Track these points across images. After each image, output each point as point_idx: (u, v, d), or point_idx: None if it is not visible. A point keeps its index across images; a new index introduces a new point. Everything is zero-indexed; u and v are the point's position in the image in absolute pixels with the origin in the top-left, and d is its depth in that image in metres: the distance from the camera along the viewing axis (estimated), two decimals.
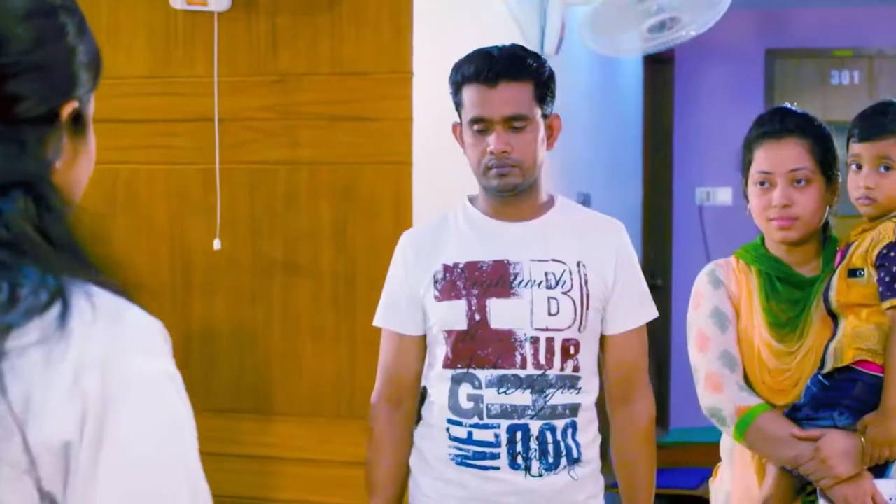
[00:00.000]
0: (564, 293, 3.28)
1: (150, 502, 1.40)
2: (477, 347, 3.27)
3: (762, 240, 3.47)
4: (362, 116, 4.30)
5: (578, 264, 3.31)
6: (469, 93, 3.27)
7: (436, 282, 3.33)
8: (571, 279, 3.29)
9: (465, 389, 3.29)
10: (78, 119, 1.57)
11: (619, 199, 7.98)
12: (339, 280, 4.35)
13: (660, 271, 9.04)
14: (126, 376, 1.41)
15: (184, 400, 1.49)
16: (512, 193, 3.30)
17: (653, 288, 3.70)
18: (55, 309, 1.40)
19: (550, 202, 3.42)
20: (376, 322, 3.47)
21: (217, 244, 4.39)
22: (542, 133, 3.29)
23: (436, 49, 4.40)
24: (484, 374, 3.26)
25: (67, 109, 1.54)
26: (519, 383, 3.25)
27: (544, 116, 3.31)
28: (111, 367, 1.40)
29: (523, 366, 3.25)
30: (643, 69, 9.01)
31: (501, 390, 3.24)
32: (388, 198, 4.28)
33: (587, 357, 3.32)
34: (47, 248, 1.45)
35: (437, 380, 3.36)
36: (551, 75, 3.33)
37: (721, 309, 3.40)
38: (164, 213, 4.56)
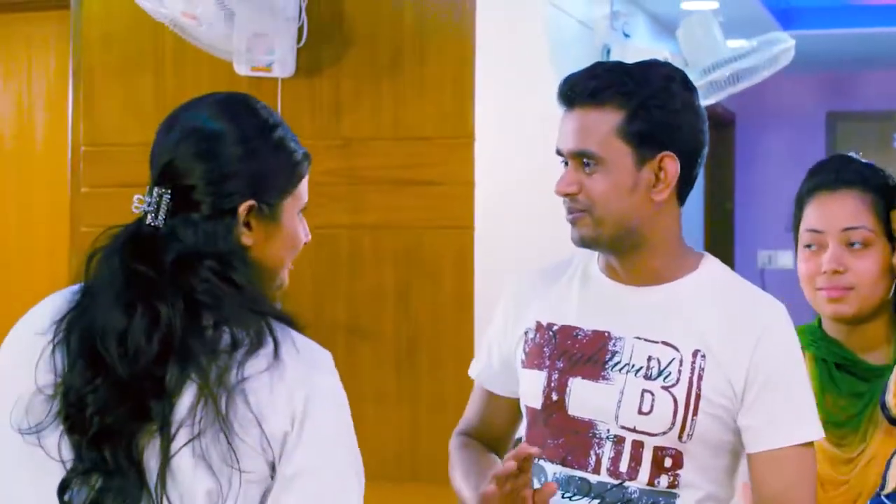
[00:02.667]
0: (665, 388, 2.45)
1: (329, 458, 2.06)
2: (549, 435, 2.54)
3: (821, 320, 2.83)
4: (425, 181, 4.31)
5: (696, 354, 2.46)
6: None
7: (525, 342, 2.62)
8: (680, 371, 2.45)
9: (534, 485, 2.46)
10: (264, 210, 2.11)
11: None
12: (401, 343, 4.35)
13: None
14: (318, 389, 2.06)
15: (347, 408, 2.12)
16: (592, 248, 2.56)
17: None
18: (269, 346, 2.03)
19: (691, 265, 2.57)
20: (470, 371, 2.81)
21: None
22: (628, 177, 2.46)
23: (498, 114, 4.42)
24: (551, 470, 2.53)
25: (243, 208, 2.08)
26: (587, 490, 2.49)
27: (643, 158, 2.46)
28: (310, 384, 2.05)
29: (596, 470, 2.48)
30: None
31: (566, 495, 2.50)
32: (450, 261, 4.29)
33: (698, 474, 2.48)
34: (242, 301, 2.06)
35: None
36: (664, 103, 2.47)
37: None
38: None
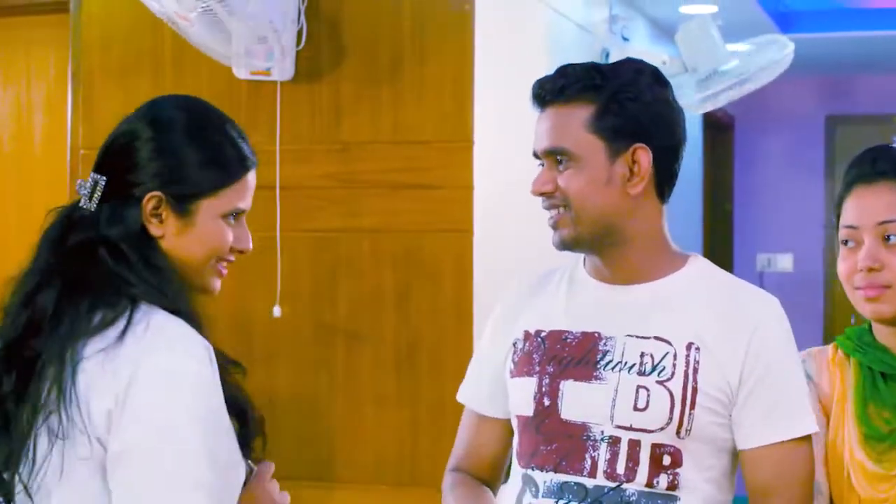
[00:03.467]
0: (660, 383, 2.39)
1: (162, 438, 2.03)
2: (541, 442, 2.46)
3: (871, 323, 2.61)
4: (424, 184, 4.32)
5: (690, 347, 2.41)
6: None
7: (514, 352, 2.56)
8: (675, 365, 2.40)
9: (526, 497, 2.48)
10: (173, 205, 2.17)
11: None
12: (401, 347, 4.35)
13: None
14: (148, 367, 2.04)
15: (196, 389, 2.07)
16: (574, 250, 2.52)
17: None
18: (119, 327, 2.07)
19: (678, 263, 2.53)
20: (458, 396, 2.74)
21: (277, 311, 4.41)
22: (601, 171, 2.43)
23: (497, 118, 4.42)
24: (543, 479, 2.45)
25: (146, 198, 2.16)
26: (583, 495, 2.40)
27: (615, 151, 2.43)
28: (139, 363, 2.04)
29: (592, 473, 2.40)
30: (703, 134, 9.00)
31: (561, 503, 2.42)
32: (449, 265, 4.29)
33: (698, 474, 2.41)
34: (132, 282, 2.12)
35: (512, 477, 2.57)
36: (634, 96, 2.44)
37: None
38: (226, 280, 4.57)
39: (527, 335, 2.55)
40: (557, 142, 2.44)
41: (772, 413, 2.40)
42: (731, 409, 2.41)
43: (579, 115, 2.43)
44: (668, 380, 2.39)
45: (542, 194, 2.47)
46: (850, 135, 9.35)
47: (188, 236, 2.21)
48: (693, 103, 5.56)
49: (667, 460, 2.38)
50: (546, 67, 5.04)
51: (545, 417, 2.45)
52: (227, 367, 2.25)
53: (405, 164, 4.34)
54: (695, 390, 2.38)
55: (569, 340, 2.48)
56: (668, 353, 2.41)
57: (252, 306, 4.52)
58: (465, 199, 4.27)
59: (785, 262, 9.18)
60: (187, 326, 2.13)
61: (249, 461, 2.29)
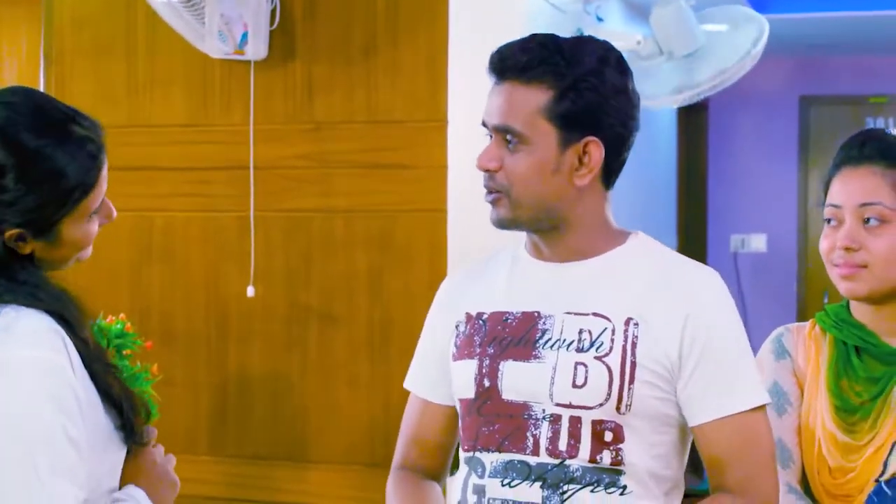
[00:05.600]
0: (598, 358, 2.35)
1: None
2: (483, 423, 2.44)
3: (849, 301, 2.70)
4: (397, 164, 4.31)
5: (628, 322, 2.37)
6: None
7: (457, 336, 2.53)
8: (613, 340, 2.36)
9: (472, 479, 2.45)
10: (42, 232, 2.17)
11: None
12: (374, 328, 4.35)
13: None
14: None
15: (40, 375, 2.05)
16: (510, 229, 2.49)
17: None
18: None
19: (619, 240, 2.49)
20: (405, 383, 2.74)
21: (251, 291, 4.41)
22: (550, 159, 2.38)
23: (471, 97, 4.40)
24: (489, 459, 2.42)
25: (7, 236, 2.14)
26: (527, 473, 2.37)
27: (567, 140, 2.38)
28: None
29: (535, 451, 2.37)
30: (677, 116, 9.01)
31: (506, 482, 2.39)
32: (423, 245, 4.29)
33: (642, 450, 2.38)
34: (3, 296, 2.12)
35: (460, 464, 2.54)
36: (594, 87, 2.38)
37: (781, 386, 2.68)
38: (200, 260, 4.58)
39: (468, 317, 2.52)
40: (509, 120, 2.38)
41: (715, 386, 2.35)
42: (674, 384, 2.36)
43: (536, 99, 2.37)
44: (606, 355, 2.35)
45: (487, 170, 2.42)
46: (824, 115, 9.37)
47: (57, 248, 2.21)
48: (669, 92, 5.56)
49: (608, 436, 2.35)
50: None
51: (486, 399, 2.43)
52: (109, 365, 2.24)
53: (379, 143, 4.34)
54: (633, 364, 2.34)
55: (509, 321, 2.45)
56: (606, 328, 2.37)
57: (226, 286, 4.52)
58: (438, 178, 4.27)
59: (758, 242, 9.20)
60: (46, 322, 2.11)
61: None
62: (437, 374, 2.59)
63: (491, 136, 2.43)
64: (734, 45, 5.43)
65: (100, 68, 4.68)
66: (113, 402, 2.18)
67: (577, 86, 2.36)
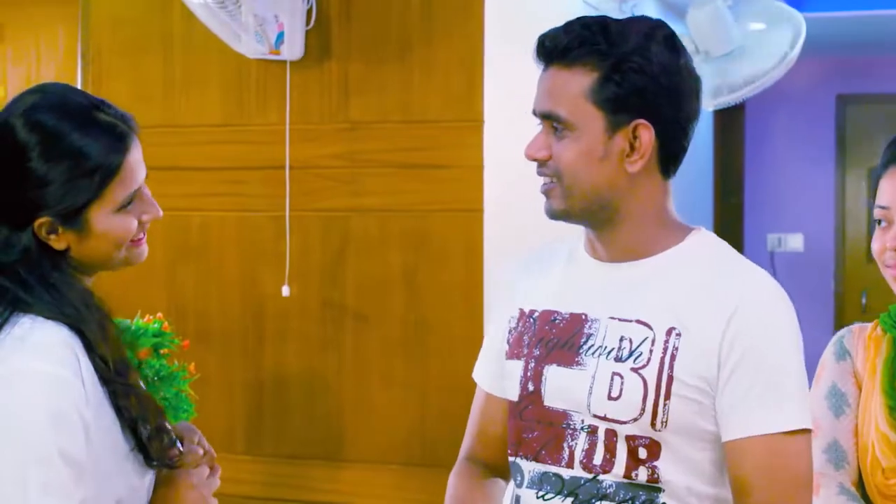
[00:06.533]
0: (634, 370, 2.20)
1: None
2: (524, 429, 2.33)
3: None
4: (433, 164, 4.31)
5: (670, 332, 2.20)
6: None
7: (510, 331, 2.42)
8: (651, 351, 2.19)
9: (512, 486, 2.37)
10: (63, 223, 2.14)
11: None
12: (409, 327, 4.35)
13: None
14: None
15: (46, 389, 2.01)
16: (564, 220, 2.33)
17: None
18: None
19: (677, 239, 2.32)
20: (473, 373, 2.58)
21: (286, 290, 4.42)
22: (598, 145, 2.24)
23: (507, 97, 4.40)
24: (527, 468, 2.32)
25: (36, 225, 2.13)
26: (560, 487, 2.26)
27: (615, 125, 2.23)
28: None
29: (569, 464, 2.25)
30: (713, 116, 8.98)
31: (540, 494, 2.29)
32: (459, 245, 4.28)
33: (681, 467, 2.21)
34: (30, 302, 2.10)
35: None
36: (640, 66, 2.21)
37: (840, 388, 2.60)
38: (235, 259, 4.59)
39: (521, 314, 2.40)
40: (554, 106, 2.25)
41: (749, 401, 2.15)
42: (713, 398, 2.18)
43: (579, 82, 2.23)
44: (644, 367, 2.19)
45: (535, 160, 2.29)
46: (861, 114, 9.31)
47: (90, 241, 2.18)
48: (707, 94, 5.54)
49: (643, 453, 2.20)
50: None
51: (529, 403, 2.31)
52: (130, 386, 2.17)
53: (414, 143, 4.33)
54: (670, 378, 2.17)
55: (557, 321, 2.32)
56: (647, 337, 2.20)
57: (261, 285, 4.52)
58: (474, 178, 4.26)
59: (795, 241, 9.15)
60: (61, 336, 2.09)
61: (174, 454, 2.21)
62: (497, 368, 2.45)
63: (540, 125, 2.31)
64: (771, 46, 5.39)
65: (136, 68, 4.70)
66: (129, 423, 2.12)
67: (620, 66, 2.21)
